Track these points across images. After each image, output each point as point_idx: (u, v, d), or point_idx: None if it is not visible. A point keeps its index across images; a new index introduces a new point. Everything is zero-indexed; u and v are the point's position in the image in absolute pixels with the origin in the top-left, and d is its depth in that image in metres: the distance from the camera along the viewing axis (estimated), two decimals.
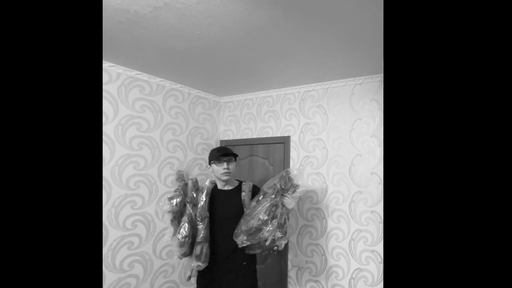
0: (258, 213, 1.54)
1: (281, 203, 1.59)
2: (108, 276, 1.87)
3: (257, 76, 2.13)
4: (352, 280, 1.99)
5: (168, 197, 1.65)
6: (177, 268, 2.28)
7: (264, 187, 1.67)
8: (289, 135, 2.36)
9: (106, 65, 1.91)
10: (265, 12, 1.28)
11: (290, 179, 1.64)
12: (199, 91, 2.52)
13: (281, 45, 1.60)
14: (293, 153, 2.33)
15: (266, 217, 1.52)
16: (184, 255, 1.61)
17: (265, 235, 1.51)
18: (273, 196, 1.58)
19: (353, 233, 2.01)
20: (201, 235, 1.58)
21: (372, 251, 1.94)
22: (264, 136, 2.49)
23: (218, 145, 2.70)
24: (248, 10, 1.27)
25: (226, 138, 2.71)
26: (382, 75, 2.00)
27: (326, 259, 2.11)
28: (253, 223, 1.53)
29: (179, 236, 1.56)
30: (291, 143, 2.34)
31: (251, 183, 1.80)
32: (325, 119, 2.21)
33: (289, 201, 1.59)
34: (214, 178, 1.82)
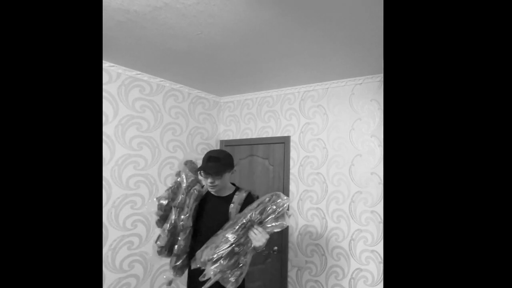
0: (218, 245, 1.30)
1: (249, 236, 1.31)
2: (108, 276, 1.87)
3: (257, 76, 2.13)
4: (352, 280, 1.99)
5: (156, 198, 1.54)
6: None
7: (254, 204, 1.39)
8: (289, 135, 2.36)
9: (106, 65, 1.91)
10: (265, 12, 1.28)
11: (277, 205, 1.33)
12: (199, 91, 2.52)
13: (281, 45, 1.60)
14: (293, 153, 2.33)
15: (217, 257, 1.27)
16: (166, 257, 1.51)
17: (214, 271, 1.28)
18: (238, 227, 1.30)
19: (353, 233, 2.01)
20: (181, 246, 1.44)
21: (372, 251, 1.94)
22: (264, 136, 2.49)
23: (218, 145, 2.70)
24: (248, 10, 1.27)
25: (226, 138, 2.71)
26: (382, 75, 2.00)
27: (326, 259, 2.11)
28: (210, 254, 1.29)
29: (157, 245, 1.45)
30: (291, 143, 2.34)
31: (244, 194, 1.55)
32: (325, 119, 2.21)
33: (258, 237, 1.28)
34: None
